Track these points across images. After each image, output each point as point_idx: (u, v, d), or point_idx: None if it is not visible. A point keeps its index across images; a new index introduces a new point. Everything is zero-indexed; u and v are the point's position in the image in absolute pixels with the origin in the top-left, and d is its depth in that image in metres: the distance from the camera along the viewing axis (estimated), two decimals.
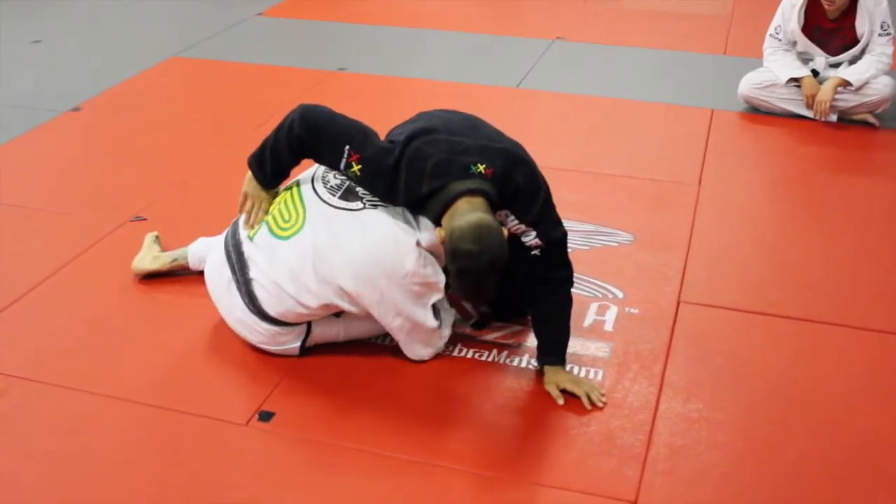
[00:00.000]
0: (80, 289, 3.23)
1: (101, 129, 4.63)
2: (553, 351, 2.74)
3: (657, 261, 3.41)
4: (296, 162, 2.79)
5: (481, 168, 2.54)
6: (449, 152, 2.57)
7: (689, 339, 2.98)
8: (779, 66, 4.72)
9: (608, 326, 3.02)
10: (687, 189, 3.98)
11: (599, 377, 2.77)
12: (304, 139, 2.68)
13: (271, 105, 4.81)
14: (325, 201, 2.70)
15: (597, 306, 3.11)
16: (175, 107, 4.98)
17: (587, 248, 3.48)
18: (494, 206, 2.57)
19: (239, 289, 2.74)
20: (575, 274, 2.76)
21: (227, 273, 2.79)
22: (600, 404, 2.64)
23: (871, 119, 4.65)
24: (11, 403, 2.67)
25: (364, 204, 2.67)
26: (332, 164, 2.69)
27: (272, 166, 2.78)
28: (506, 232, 2.51)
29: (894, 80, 4.65)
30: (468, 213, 2.46)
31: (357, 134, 2.66)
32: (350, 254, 2.59)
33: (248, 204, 2.82)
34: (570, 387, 2.66)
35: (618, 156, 4.31)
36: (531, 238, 2.63)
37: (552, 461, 2.47)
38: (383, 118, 4.66)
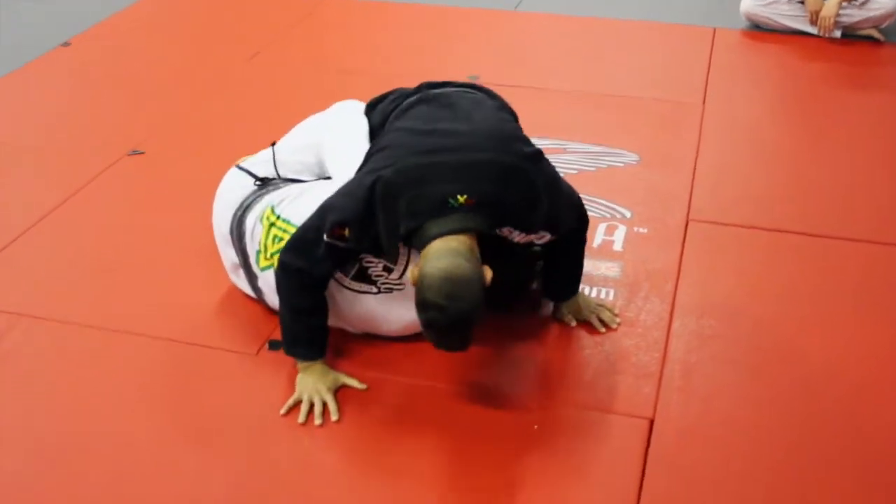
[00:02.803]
0: (80, 225, 3.19)
1: (93, 63, 4.54)
2: (566, 290, 2.63)
3: (664, 180, 3.36)
4: (321, 298, 2.42)
5: (461, 199, 2.18)
6: (421, 183, 2.22)
7: (700, 257, 2.94)
8: None
9: (617, 246, 2.99)
10: (691, 108, 3.92)
11: (611, 297, 2.74)
12: (303, 268, 2.33)
13: (264, 34, 4.75)
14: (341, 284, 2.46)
15: (605, 226, 3.07)
16: (166, 39, 4.87)
17: (593, 168, 3.42)
18: (485, 231, 2.25)
19: (247, 277, 2.66)
20: (582, 196, 2.57)
21: (233, 257, 2.67)
22: (614, 325, 2.60)
23: (875, 34, 4.58)
24: (14, 341, 2.64)
25: (379, 288, 2.46)
26: (341, 260, 2.37)
27: (304, 327, 2.42)
28: (488, 276, 2.17)
29: None
30: (441, 256, 2.13)
31: (319, 219, 2.31)
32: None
33: (305, 406, 2.35)
34: (579, 314, 2.61)
35: (620, 76, 4.24)
36: (545, 239, 2.39)
37: (568, 381, 2.45)
38: (377, 48, 4.63)
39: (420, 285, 2.14)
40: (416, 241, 2.23)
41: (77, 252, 3.04)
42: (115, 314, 2.73)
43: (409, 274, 2.23)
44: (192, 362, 2.55)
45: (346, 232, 2.26)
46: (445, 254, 2.14)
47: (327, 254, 2.30)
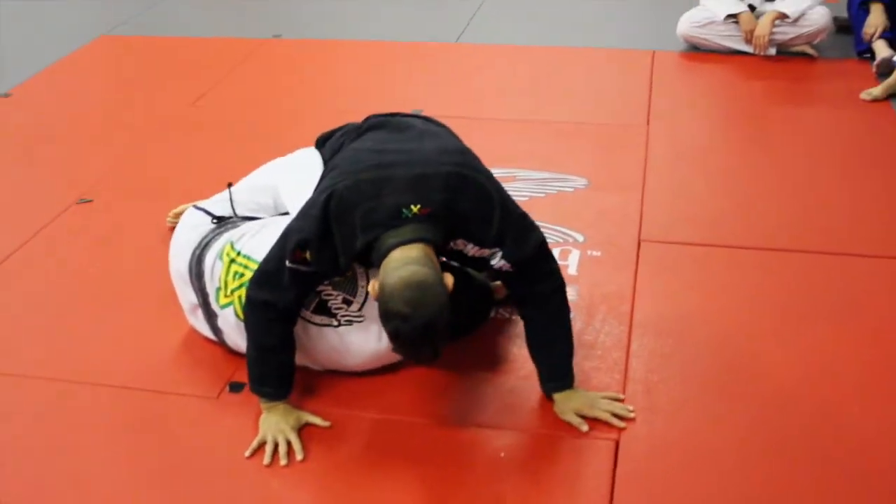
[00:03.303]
0: (30, 275, 3.14)
1: (35, 113, 4.49)
2: (558, 375, 2.42)
3: (614, 202, 3.41)
4: (288, 335, 2.40)
5: (414, 210, 2.19)
6: (375, 196, 2.22)
7: (654, 276, 2.98)
8: (716, 3, 4.74)
9: (572, 270, 3.02)
10: (636, 130, 3.98)
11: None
12: (269, 300, 2.32)
13: (207, 78, 4.74)
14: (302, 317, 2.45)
15: (559, 251, 3.10)
16: (109, 86, 4.85)
17: (543, 195, 3.46)
18: (440, 243, 2.25)
19: (206, 317, 2.63)
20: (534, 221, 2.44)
21: (192, 297, 2.65)
22: (632, 416, 2.38)
23: (809, 50, 4.69)
24: None
25: (339, 321, 2.46)
26: (306, 286, 2.36)
27: (272, 366, 2.40)
28: (449, 282, 2.16)
29: (829, 10, 4.70)
30: (401, 266, 2.13)
31: (279, 248, 2.32)
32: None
33: (270, 446, 2.32)
34: (589, 412, 2.37)
35: (564, 103, 4.30)
36: (498, 261, 2.32)
37: (532, 406, 2.45)
38: (321, 86, 4.65)
39: (382, 296, 2.12)
40: (374, 255, 2.21)
41: (28, 303, 2.99)
42: (70, 365, 2.69)
43: (369, 288, 2.19)
44: (152, 409, 2.52)
45: (308, 255, 2.25)
46: (405, 262, 2.13)
47: (291, 281, 2.29)
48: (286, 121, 4.17)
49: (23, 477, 2.32)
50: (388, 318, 2.11)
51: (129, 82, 4.88)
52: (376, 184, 2.25)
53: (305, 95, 4.53)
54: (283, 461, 2.30)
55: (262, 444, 2.35)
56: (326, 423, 2.41)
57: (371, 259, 2.25)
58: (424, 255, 2.17)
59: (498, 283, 2.67)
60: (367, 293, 2.43)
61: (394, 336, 2.13)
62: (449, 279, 2.17)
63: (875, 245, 3.11)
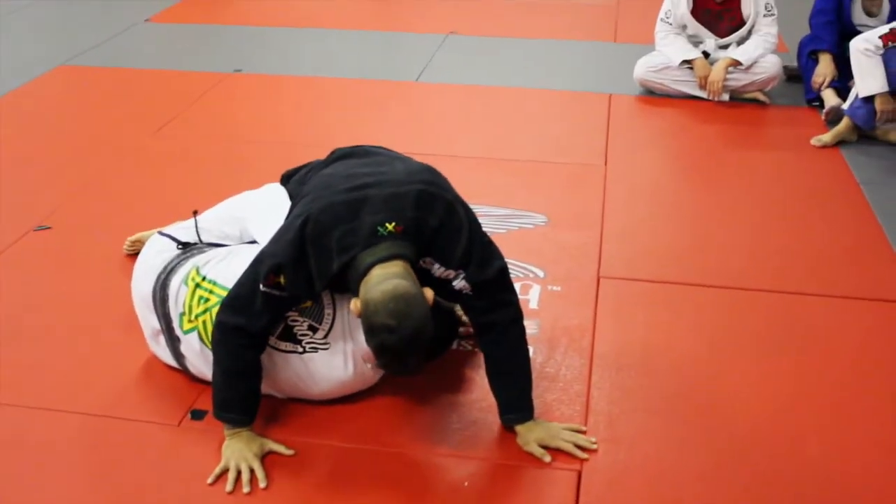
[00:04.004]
0: None
1: None
2: (518, 406, 2.43)
3: (573, 239, 3.46)
4: (256, 361, 2.40)
5: (390, 227, 2.24)
6: (351, 218, 2.26)
7: (613, 311, 3.03)
8: (671, 49, 4.86)
9: (533, 304, 3.05)
10: (594, 170, 4.05)
11: (531, 353, 2.78)
12: (240, 325, 2.32)
13: (168, 109, 4.73)
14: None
15: (520, 286, 3.11)
16: (67, 116, 4.82)
17: (504, 231, 3.50)
18: (414, 261, 2.29)
19: (168, 343, 2.62)
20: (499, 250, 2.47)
21: (154, 322, 2.63)
22: (594, 447, 2.41)
23: (761, 97, 4.82)
24: None
25: (304, 348, 2.45)
26: (278, 310, 2.37)
27: (238, 391, 2.39)
28: (430, 295, 2.21)
29: (780, 59, 4.84)
30: (382, 280, 2.17)
31: (253, 272, 2.33)
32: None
33: (232, 473, 2.30)
34: (552, 443, 2.39)
35: (523, 142, 4.36)
36: (459, 282, 2.34)
37: (494, 437, 2.47)
38: (282, 120, 4.67)
39: (366, 311, 2.15)
40: (352, 275, 2.24)
41: None
42: (28, 390, 2.65)
43: (351, 306, 2.22)
44: (111, 436, 2.49)
45: (282, 279, 2.27)
46: (386, 277, 2.18)
47: (264, 306, 2.30)
48: (248, 152, 4.18)
49: None
50: (374, 332, 2.14)
51: (89, 111, 4.85)
52: (352, 205, 2.29)
53: (267, 128, 4.55)
54: (245, 489, 2.29)
55: (224, 471, 2.33)
56: (290, 451, 2.40)
57: (347, 280, 2.26)
58: (404, 270, 2.22)
59: (465, 318, 2.69)
60: (332, 320, 2.44)
61: (379, 350, 2.16)
62: (429, 293, 2.21)
63: (825, 285, 3.19)
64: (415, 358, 2.20)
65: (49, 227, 3.53)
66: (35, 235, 3.49)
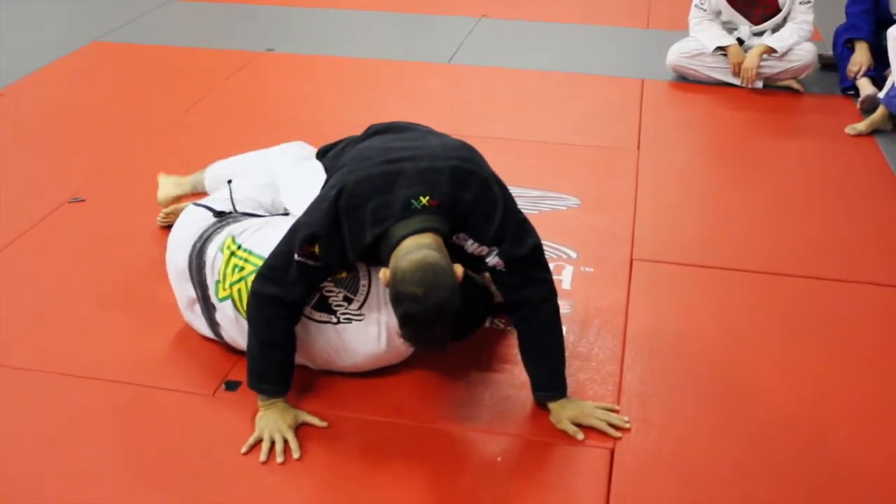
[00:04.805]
0: (22, 271, 3.12)
1: (28, 112, 4.48)
2: (551, 384, 2.43)
3: (606, 222, 3.45)
4: (291, 332, 2.41)
5: (424, 201, 2.25)
6: (385, 190, 2.27)
7: (646, 294, 3.02)
8: (705, 35, 4.82)
9: (566, 285, 3.05)
10: (626, 154, 4.04)
11: (564, 332, 2.78)
12: (276, 295, 2.33)
13: (201, 86, 4.75)
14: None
15: (553, 266, 3.09)
16: (102, 90, 4.85)
17: (536, 212, 3.50)
18: (447, 236, 2.29)
19: (204, 311, 2.64)
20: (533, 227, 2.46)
21: (190, 291, 2.65)
22: (627, 426, 2.41)
23: (795, 85, 4.79)
24: None
25: (338, 318, 2.46)
26: (313, 281, 2.38)
27: (274, 362, 2.40)
28: (459, 271, 2.20)
29: (815, 47, 4.80)
30: (412, 250, 2.18)
31: (288, 242, 2.34)
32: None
33: (266, 444, 2.32)
34: (585, 421, 2.39)
35: (555, 125, 4.35)
36: (492, 258, 2.35)
37: (528, 413, 2.47)
38: (314, 100, 4.67)
39: (394, 279, 2.15)
40: (384, 247, 2.25)
41: (21, 298, 2.97)
42: (65, 359, 2.68)
43: (380, 275, 2.21)
44: (146, 405, 2.51)
45: (317, 249, 2.28)
46: (417, 247, 2.18)
47: (299, 275, 2.31)
48: (278, 132, 4.15)
49: (13, 469, 2.30)
50: (400, 300, 2.13)
51: (121, 87, 4.88)
52: (387, 178, 2.29)
53: (298, 107, 4.56)
54: (279, 459, 2.30)
55: (258, 442, 2.35)
56: (324, 424, 2.41)
57: (380, 252, 2.27)
58: (436, 242, 2.22)
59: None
60: (367, 292, 2.45)
61: (404, 320, 2.15)
62: (459, 269, 2.21)
63: (857, 271, 3.17)
64: (439, 331, 2.16)
65: (83, 200, 3.56)
66: (70, 207, 3.52)
